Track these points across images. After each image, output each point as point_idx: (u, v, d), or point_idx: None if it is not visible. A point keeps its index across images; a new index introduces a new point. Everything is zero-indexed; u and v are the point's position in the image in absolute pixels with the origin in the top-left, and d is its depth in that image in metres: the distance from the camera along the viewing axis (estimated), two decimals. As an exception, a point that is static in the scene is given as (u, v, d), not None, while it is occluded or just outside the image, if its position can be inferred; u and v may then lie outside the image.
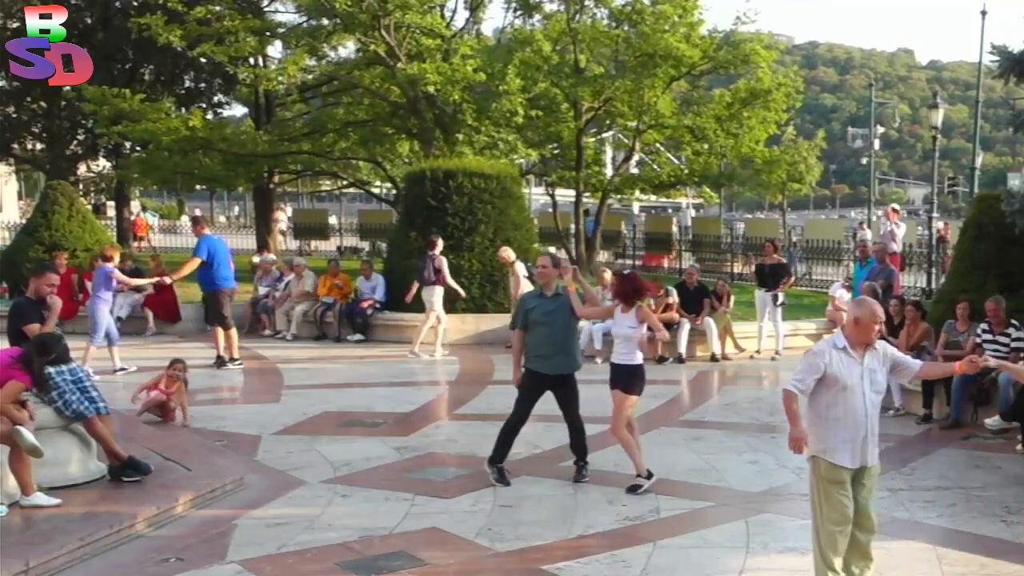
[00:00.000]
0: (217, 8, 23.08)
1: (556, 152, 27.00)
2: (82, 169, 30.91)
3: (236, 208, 63.33)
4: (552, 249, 14.55)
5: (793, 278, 17.01)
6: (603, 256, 28.31)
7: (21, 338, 7.96)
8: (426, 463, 8.65)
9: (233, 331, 13.45)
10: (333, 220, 37.08)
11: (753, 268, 17.35)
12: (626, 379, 7.88)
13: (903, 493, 7.83)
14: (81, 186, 28.91)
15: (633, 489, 7.73)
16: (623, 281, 8.20)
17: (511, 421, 8.13)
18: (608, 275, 13.95)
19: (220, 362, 13.24)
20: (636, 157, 28.44)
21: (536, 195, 40.16)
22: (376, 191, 33.85)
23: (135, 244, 30.62)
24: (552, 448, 9.05)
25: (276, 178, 29.03)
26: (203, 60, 25.41)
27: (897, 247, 18.22)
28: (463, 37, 24.87)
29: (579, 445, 8.18)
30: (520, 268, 14.90)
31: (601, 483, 7.96)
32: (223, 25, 22.02)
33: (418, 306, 16.07)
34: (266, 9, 26.11)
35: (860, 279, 14.49)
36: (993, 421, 9.78)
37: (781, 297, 14.90)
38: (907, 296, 14.78)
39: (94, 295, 13.08)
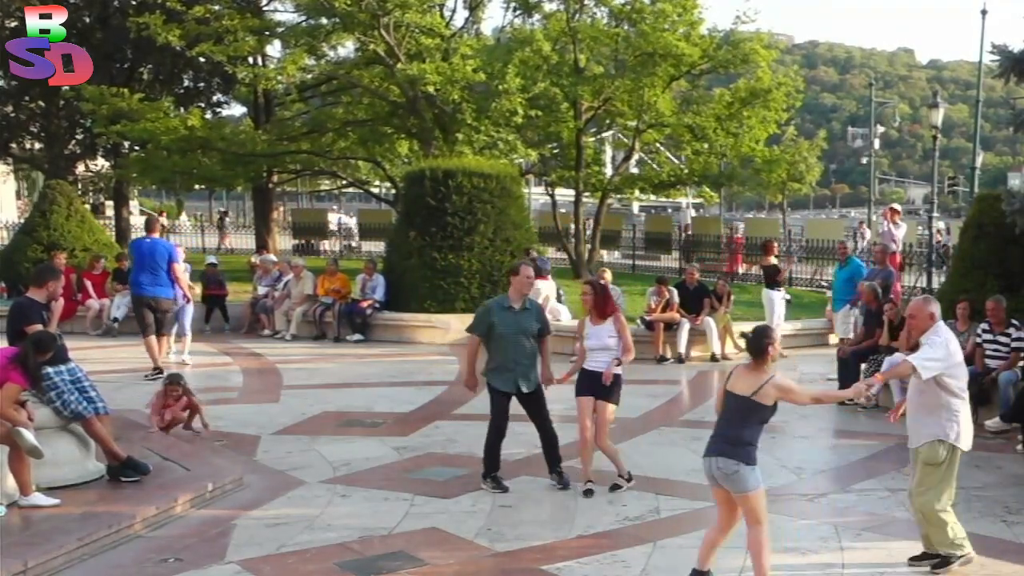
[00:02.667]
0: (216, 7, 23.09)
1: (556, 152, 26.99)
2: (81, 169, 30.83)
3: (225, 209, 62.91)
4: (534, 254, 14.41)
5: (783, 276, 17.02)
6: (604, 256, 28.30)
7: (22, 338, 7.93)
8: (426, 463, 8.64)
9: (151, 339, 12.53)
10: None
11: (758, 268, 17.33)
12: (613, 388, 7.80)
13: (903, 493, 7.77)
14: (80, 186, 28.80)
15: (588, 493, 7.69)
16: (603, 294, 7.98)
17: (491, 436, 7.94)
18: (608, 275, 13.95)
19: (155, 372, 12.23)
20: (636, 157, 28.44)
21: (536, 195, 40.11)
22: (375, 191, 33.85)
23: None
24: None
25: (275, 178, 29.01)
26: (202, 59, 25.39)
27: (897, 247, 18.14)
28: (462, 37, 24.90)
29: (551, 453, 8.01)
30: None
31: (601, 483, 7.91)
32: (222, 24, 22.04)
33: (417, 306, 16.13)
34: (265, 8, 26.11)
35: (841, 280, 14.49)
36: (993, 423, 9.75)
37: (782, 293, 14.96)
38: (907, 296, 14.76)
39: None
